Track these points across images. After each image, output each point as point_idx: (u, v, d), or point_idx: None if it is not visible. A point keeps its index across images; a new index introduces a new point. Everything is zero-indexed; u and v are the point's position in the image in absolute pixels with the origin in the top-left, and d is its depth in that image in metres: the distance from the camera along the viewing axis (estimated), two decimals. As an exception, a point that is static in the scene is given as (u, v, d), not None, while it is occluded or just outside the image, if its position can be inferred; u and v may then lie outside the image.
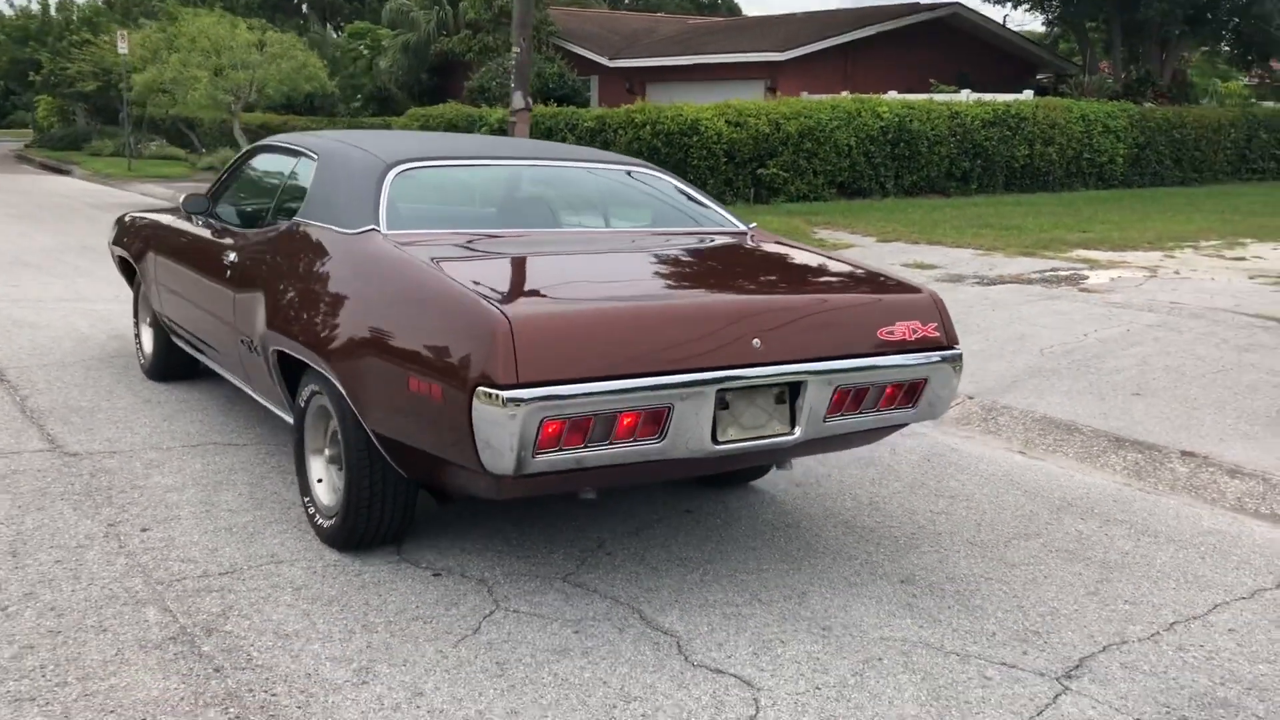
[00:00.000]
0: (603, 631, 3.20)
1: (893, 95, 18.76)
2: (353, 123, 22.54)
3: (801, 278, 4.05)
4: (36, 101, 35.90)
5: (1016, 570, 3.77)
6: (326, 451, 3.83)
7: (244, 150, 5.44)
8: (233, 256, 4.48)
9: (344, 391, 3.46)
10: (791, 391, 3.35)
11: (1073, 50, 30.18)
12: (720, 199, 15.30)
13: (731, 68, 24.20)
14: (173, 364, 5.78)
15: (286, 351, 3.85)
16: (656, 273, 3.92)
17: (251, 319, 4.14)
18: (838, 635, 3.23)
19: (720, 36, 27.50)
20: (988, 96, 19.35)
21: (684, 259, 4.09)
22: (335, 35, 40.58)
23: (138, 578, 3.44)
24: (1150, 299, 8.55)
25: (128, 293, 6.77)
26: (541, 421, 2.90)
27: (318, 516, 3.77)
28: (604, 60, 26.31)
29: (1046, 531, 4.14)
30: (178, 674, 2.87)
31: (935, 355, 3.62)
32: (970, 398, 5.93)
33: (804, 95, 19.48)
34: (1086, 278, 9.58)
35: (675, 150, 15.28)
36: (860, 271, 4.01)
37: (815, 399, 3.36)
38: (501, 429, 2.88)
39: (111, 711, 2.69)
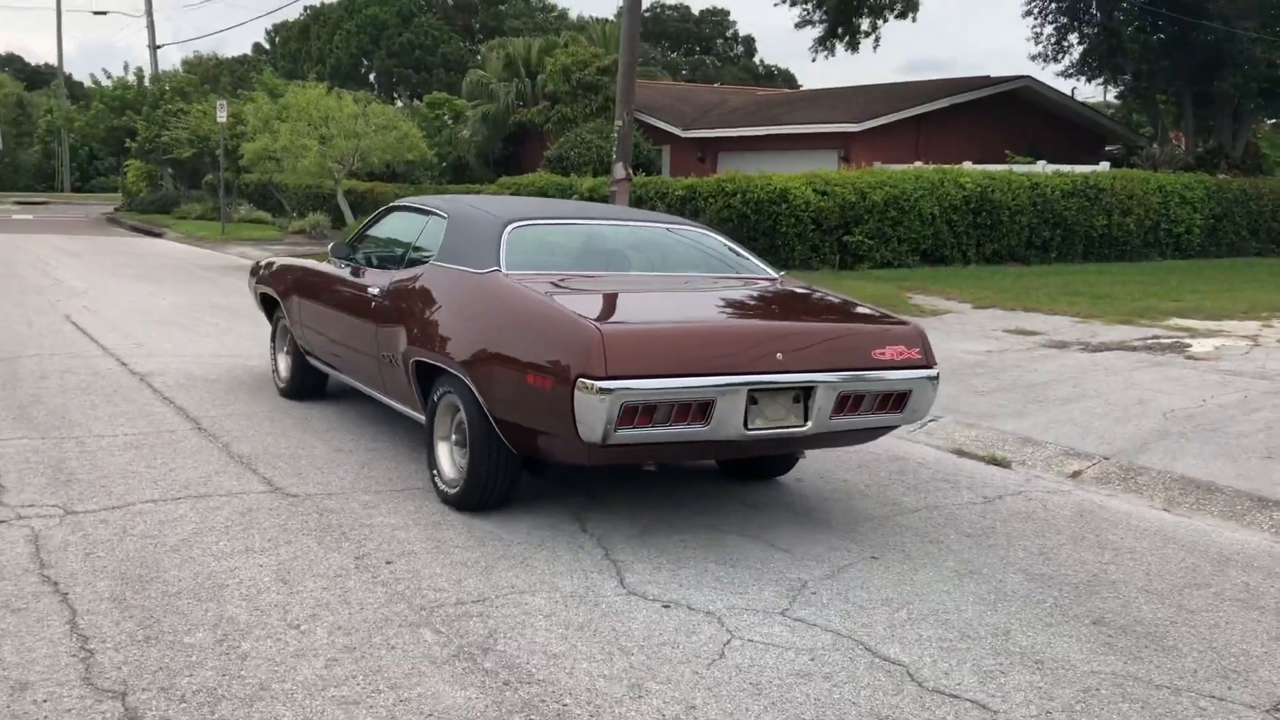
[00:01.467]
0: (835, 659, 3.51)
1: (970, 166, 19.15)
2: (444, 189, 23.36)
3: (815, 311, 5.21)
4: (126, 167, 37.35)
5: (1198, 616, 4.02)
6: (452, 437, 4.94)
7: (380, 209, 6.72)
8: (375, 291, 5.65)
9: (474, 388, 4.59)
10: (805, 394, 4.43)
11: (1142, 121, 30.45)
12: (806, 265, 15.77)
13: (804, 138, 24.75)
14: (306, 385, 7.02)
15: (425, 361, 5.01)
16: (706, 303, 5.10)
17: (394, 339, 5.33)
18: (1051, 668, 3.52)
19: (792, 108, 28.14)
20: (1065, 168, 19.67)
21: (728, 295, 5.26)
22: (400, 104, 41.94)
23: (401, 604, 3.81)
24: (1260, 366, 8.77)
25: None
26: (622, 405, 4.02)
27: (442, 486, 4.93)
28: (677, 131, 27.00)
29: (1214, 582, 4.39)
30: (474, 686, 3.22)
31: (918, 373, 4.71)
32: (1106, 458, 6.19)
33: (876, 164, 19.92)
34: (1189, 345, 9.81)
35: (764, 218, 15.74)
36: (861, 308, 5.11)
37: (823, 401, 4.43)
38: (594, 410, 4.02)
39: (429, 715, 3.05)
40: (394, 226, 6.28)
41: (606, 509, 5.01)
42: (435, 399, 4.99)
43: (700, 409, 4.19)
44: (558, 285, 4.86)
